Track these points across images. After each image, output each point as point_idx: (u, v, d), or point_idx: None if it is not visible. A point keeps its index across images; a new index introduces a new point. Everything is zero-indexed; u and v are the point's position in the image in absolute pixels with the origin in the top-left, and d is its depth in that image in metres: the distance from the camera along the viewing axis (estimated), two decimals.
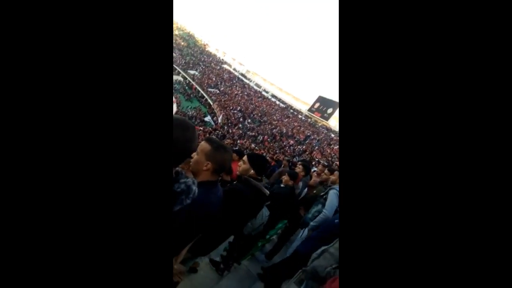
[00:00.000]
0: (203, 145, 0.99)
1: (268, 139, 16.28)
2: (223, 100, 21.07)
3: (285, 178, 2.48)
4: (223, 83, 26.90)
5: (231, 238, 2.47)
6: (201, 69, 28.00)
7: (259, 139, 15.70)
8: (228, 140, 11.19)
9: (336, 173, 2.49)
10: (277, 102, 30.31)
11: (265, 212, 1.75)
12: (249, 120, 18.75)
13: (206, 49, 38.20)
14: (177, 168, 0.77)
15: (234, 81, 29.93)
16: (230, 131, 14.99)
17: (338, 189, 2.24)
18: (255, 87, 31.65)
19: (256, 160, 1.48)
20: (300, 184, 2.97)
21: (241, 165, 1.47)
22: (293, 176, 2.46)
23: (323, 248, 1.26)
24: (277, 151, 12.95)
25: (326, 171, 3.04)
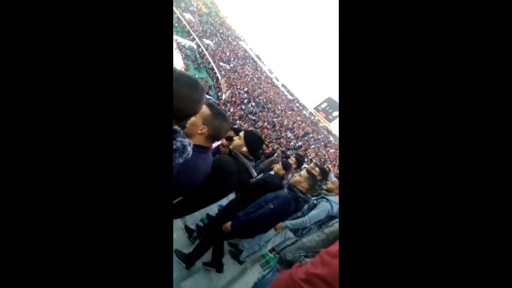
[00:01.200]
0: (203, 108, 0.96)
1: (268, 126, 16.21)
2: (232, 77, 20.65)
3: (277, 166, 2.49)
4: (236, 60, 26.24)
5: (210, 210, 2.48)
6: (216, 41, 27.15)
7: (258, 124, 15.62)
8: None
9: (334, 180, 2.45)
10: (285, 93, 29.92)
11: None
12: (253, 104, 18.50)
13: (227, 22, 36.84)
14: (175, 126, 0.75)
15: (248, 61, 29.23)
16: (232, 109, 14.83)
17: (332, 201, 2.21)
18: (267, 72, 31.01)
19: (252, 139, 1.44)
20: (289, 176, 2.98)
21: (236, 140, 1.45)
22: (286, 166, 2.46)
23: (297, 238, 1.28)
24: (274, 141, 12.95)
25: (316, 168, 3.05)
